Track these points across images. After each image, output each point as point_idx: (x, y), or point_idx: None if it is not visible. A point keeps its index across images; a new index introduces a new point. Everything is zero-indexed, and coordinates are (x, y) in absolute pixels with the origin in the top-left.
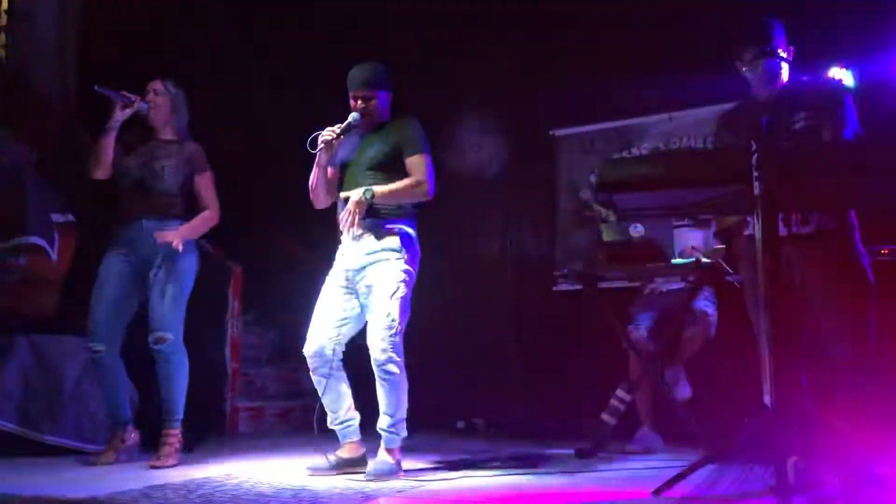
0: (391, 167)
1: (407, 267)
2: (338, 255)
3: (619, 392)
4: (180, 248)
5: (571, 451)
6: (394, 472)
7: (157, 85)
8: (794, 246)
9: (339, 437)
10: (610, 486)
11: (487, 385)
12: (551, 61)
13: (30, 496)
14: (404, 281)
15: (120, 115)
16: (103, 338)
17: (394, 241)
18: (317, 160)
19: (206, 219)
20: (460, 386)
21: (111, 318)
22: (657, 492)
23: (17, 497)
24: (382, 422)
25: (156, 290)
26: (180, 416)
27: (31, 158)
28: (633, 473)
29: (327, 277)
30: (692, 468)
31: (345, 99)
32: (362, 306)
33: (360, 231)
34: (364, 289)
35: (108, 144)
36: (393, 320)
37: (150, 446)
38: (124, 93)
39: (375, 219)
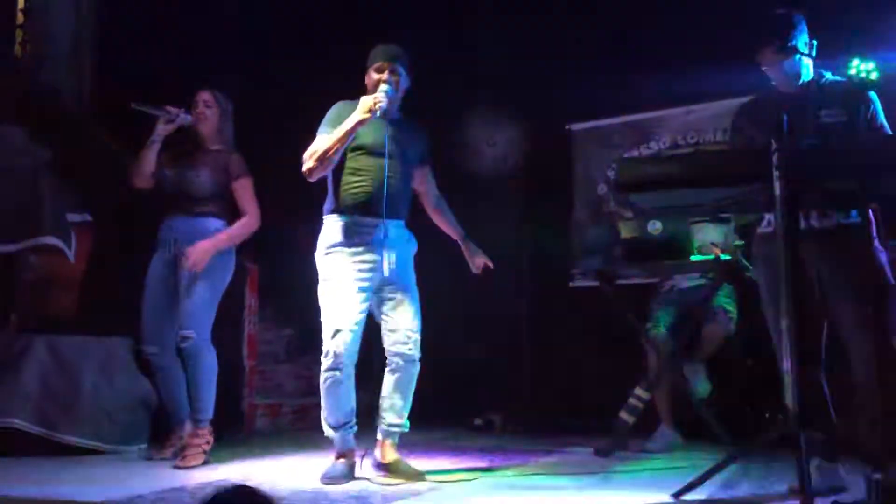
0: (418, 166)
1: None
2: (342, 241)
3: (638, 390)
4: (206, 259)
5: (589, 450)
6: (419, 470)
7: (206, 96)
8: (812, 241)
9: (342, 443)
10: (629, 487)
11: (504, 382)
12: (568, 55)
13: (44, 499)
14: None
15: (163, 129)
16: (154, 340)
17: (414, 246)
18: (352, 127)
19: (243, 225)
20: (477, 383)
21: (158, 320)
22: (678, 494)
23: (31, 500)
24: (397, 419)
25: (183, 289)
26: (208, 415)
27: (47, 158)
28: (652, 474)
29: (341, 275)
30: (713, 471)
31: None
32: (375, 306)
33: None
34: (395, 288)
35: (150, 157)
36: (421, 318)
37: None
38: (167, 107)
39: (403, 221)
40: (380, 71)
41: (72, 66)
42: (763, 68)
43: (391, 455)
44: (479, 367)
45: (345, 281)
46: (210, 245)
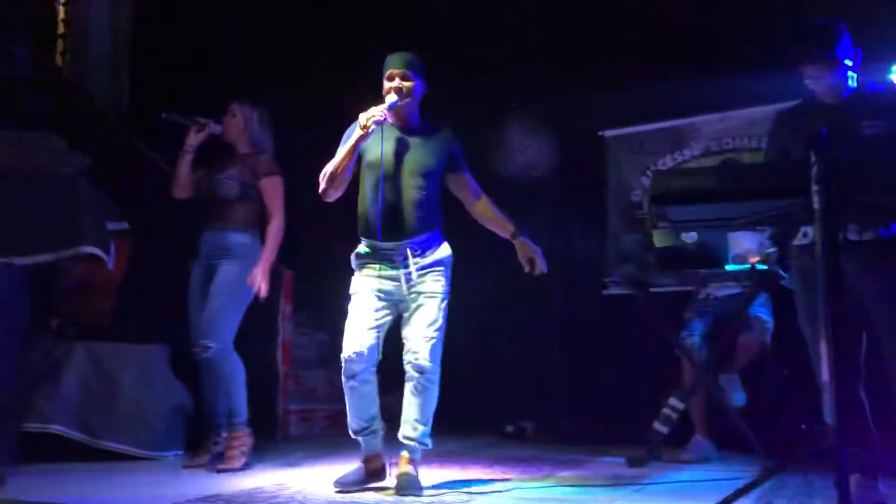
0: (437, 177)
1: (448, 279)
2: (366, 259)
3: (672, 400)
4: (266, 282)
5: (623, 460)
6: (421, 486)
7: (234, 106)
8: (851, 254)
9: (365, 448)
10: (663, 499)
11: (537, 389)
12: (601, 61)
13: None
14: (447, 292)
15: (194, 139)
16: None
17: (444, 253)
18: (354, 144)
19: (274, 236)
20: (509, 390)
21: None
22: None
23: None
24: (413, 431)
25: (211, 299)
26: (242, 417)
27: (86, 166)
28: (687, 486)
29: (360, 282)
30: (751, 486)
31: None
32: (394, 316)
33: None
34: (412, 298)
35: (184, 167)
36: (437, 329)
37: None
38: (198, 118)
39: (426, 233)
40: (391, 79)
41: (110, 75)
42: (806, 81)
43: (401, 468)
44: (511, 375)
45: (362, 294)
46: (261, 271)
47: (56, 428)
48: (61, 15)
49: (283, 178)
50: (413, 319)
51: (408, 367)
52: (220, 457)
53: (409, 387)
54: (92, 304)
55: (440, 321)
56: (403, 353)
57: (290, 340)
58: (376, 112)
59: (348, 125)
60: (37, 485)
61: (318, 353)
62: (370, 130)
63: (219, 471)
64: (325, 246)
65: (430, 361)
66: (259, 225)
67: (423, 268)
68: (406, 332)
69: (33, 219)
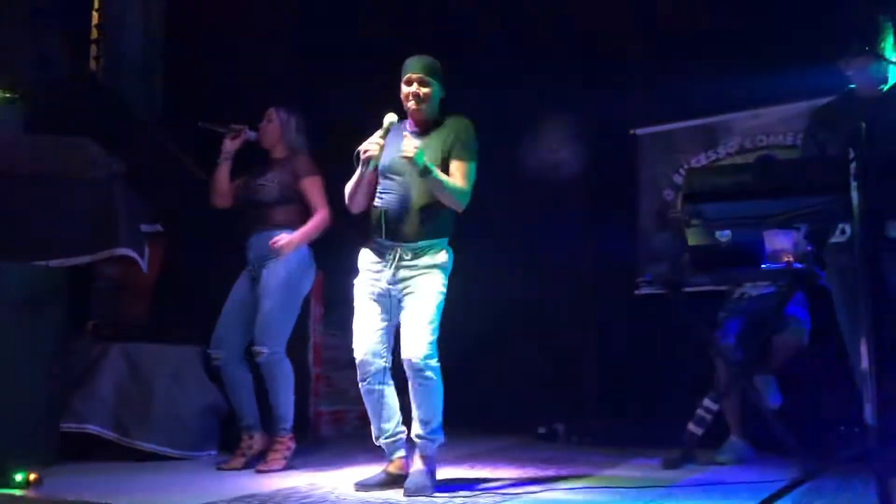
0: (446, 173)
1: (445, 280)
2: (369, 262)
3: (706, 401)
4: (286, 251)
5: (656, 461)
6: (430, 485)
7: (271, 112)
8: (890, 252)
9: (387, 453)
10: (698, 501)
11: (569, 391)
12: (632, 58)
13: None
14: (441, 293)
15: (230, 146)
16: (219, 345)
17: (440, 259)
18: (359, 175)
19: (317, 221)
20: (541, 391)
21: (228, 328)
22: None
23: None
24: (419, 428)
25: (260, 303)
26: (287, 424)
27: (121, 170)
28: (722, 488)
29: (360, 285)
30: (788, 488)
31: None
32: (396, 318)
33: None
34: (402, 297)
35: (223, 175)
36: (428, 323)
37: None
38: (232, 125)
39: (427, 239)
40: (409, 83)
41: (143, 79)
42: (847, 73)
43: (413, 466)
44: (542, 376)
45: (362, 298)
46: (289, 240)
47: (92, 428)
48: (95, 20)
49: (322, 178)
50: (403, 319)
51: (405, 368)
52: (255, 460)
53: (410, 386)
54: (127, 306)
55: (430, 317)
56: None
57: (321, 342)
58: (371, 146)
59: (380, 121)
60: (73, 484)
61: (348, 354)
62: (367, 167)
63: (258, 471)
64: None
65: (421, 359)
66: (301, 225)
67: (413, 270)
68: (401, 333)
69: (70, 222)
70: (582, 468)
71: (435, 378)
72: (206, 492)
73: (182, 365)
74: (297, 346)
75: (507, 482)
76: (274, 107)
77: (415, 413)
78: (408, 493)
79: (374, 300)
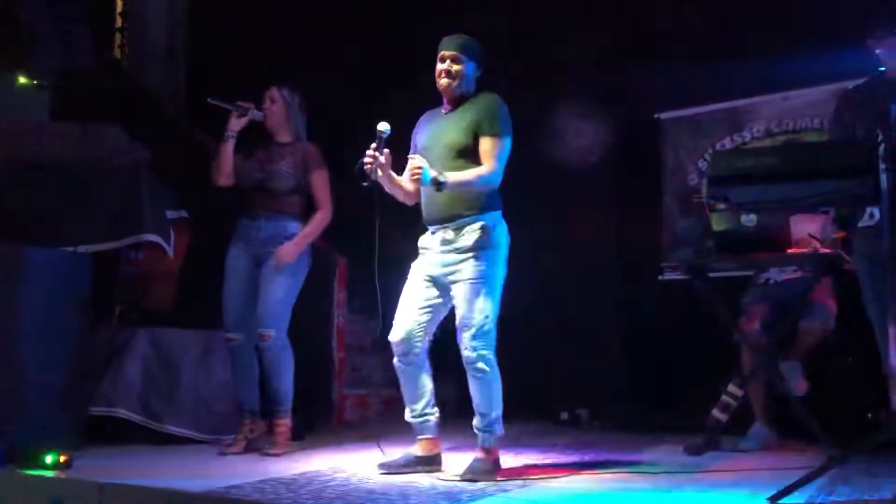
0: (470, 149)
1: (495, 261)
2: (421, 245)
3: (731, 387)
4: (289, 260)
5: (680, 448)
6: (490, 471)
7: (274, 92)
8: None
9: (415, 432)
10: (722, 488)
11: (592, 376)
12: (656, 41)
13: (149, 487)
14: (491, 276)
15: (236, 124)
16: (238, 328)
17: (482, 236)
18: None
19: (318, 221)
20: (564, 377)
21: (241, 308)
22: (775, 498)
23: (136, 488)
24: (477, 421)
25: (263, 287)
26: (289, 406)
27: (146, 157)
28: (746, 474)
29: (413, 266)
30: (813, 475)
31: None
32: (447, 301)
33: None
34: (451, 286)
35: (227, 153)
36: (486, 317)
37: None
38: (239, 102)
39: (461, 217)
40: (442, 60)
41: (168, 67)
42: (877, 52)
43: (476, 454)
44: (566, 362)
45: (411, 279)
46: (294, 246)
47: (120, 412)
48: (119, 8)
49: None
50: (456, 308)
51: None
52: (254, 444)
53: (468, 377)
54: (153, 291)
55: (481, 308)
56: None
57: (345, 327)
58: (367, 159)
59: (403, 108)
60: (102, 465)
61: (372, 340)
62: (371, 181)
63: (266, 454)
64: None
65: (474, 351)
66: (304, 216)
67: (458, 252)
68: (456, 322)
69: (96, 208)
70: (605, 454)
71: (489, 370)
72: (230, 475)
73: (207, 349)
74: (320, 330)
75: (530, 467)
76: (276, 87)
77: (474, 406)
78: (463, 477)
79: (422, 282)
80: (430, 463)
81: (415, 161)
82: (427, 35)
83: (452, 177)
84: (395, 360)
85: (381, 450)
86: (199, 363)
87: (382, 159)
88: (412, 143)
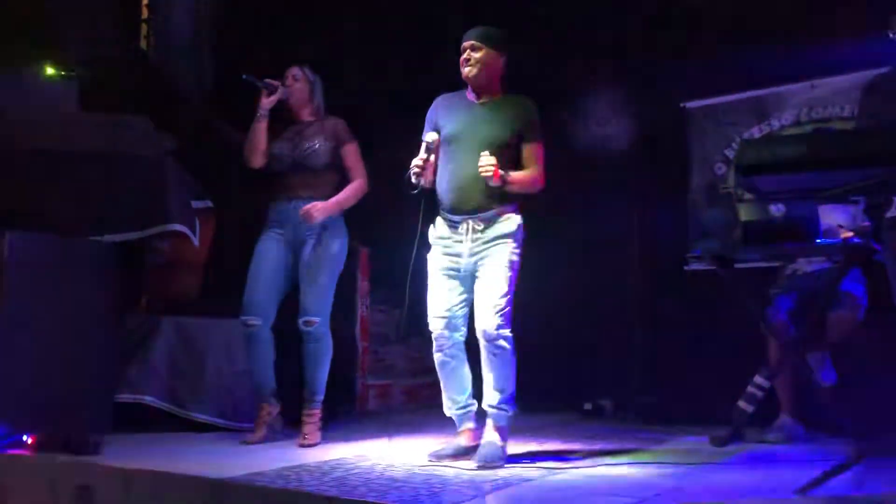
0: (506, 147)
1: (517, 250)
2: (438, 236)
3: (757, 378)
4: (320, 218)
5: (705, 439)
6: (502, 456)
7: (296, 71)
8: None
9: (457, 423)
10: (747, 481)
11: (616, 367)
12: (682, 29)
13: (173, 475)
14: (515, 262)
15: (267, 102)
16: (259, 312)
17: (509, 227)
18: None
19: (354, 188)
20: (588, 367)
21: (266, 294)
22: (802, 490)
23: (162, 473)
24: (492, 398)
25: (306, 273)
26: (322, 396)
27: (172, 147)
28: (772, 466)
29: (432, 260)
30: (842, 468)
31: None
32: (471, 287)
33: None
34: (478, 269)
35: (261, 132)
36: (502, 296)
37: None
38: (268, 80)
39: (491, 209)
40: (462, 51)
41: (193, 58)
42: None
43: (485, 436)
44: (589, 352)
45: (434, 273)
46: (324, 209)
47: (146, 399)
48: (144, 0)
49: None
50: (478, 290)
51: (479, 338)
52: (273, 430)
53: (483, 356)
54: (179, 280)
55: (505, 289)
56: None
57: (368, 317)
58: (416, 167)
59: (431, 95)
60: (129, 452)
61: (395, 330)
62: (420, 186)
63: (301, 446)
64: (401, 222)
65: (496, 329)
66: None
67: (485, 242)
68: (475, 304)
69: (123, 198)
70: (628, 444)
71: (508, 348)
72: (255, 461)
73: (232, 338)
74: (343, 320)
75: (553, 455)
76: (298, 65)
77: (487, 384)
78: (479, 465)
79: (450, 274)
80: (472, 453)
81: (488, 159)
82: (455, 21)
83: (516, 176)
84: (439, 353)
85: (389, 440)
86: (223, 351)
87: (429, 166)
88: (430, 122)
